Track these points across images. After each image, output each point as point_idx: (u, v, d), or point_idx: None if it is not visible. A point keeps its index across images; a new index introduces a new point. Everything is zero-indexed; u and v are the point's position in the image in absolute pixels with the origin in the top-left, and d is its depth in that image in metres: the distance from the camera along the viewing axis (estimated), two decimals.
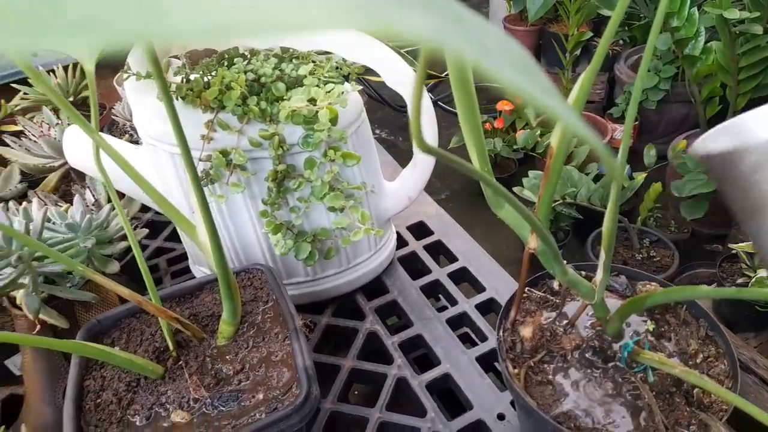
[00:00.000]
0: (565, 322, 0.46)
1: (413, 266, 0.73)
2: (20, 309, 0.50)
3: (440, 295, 0.74)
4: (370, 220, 0.56)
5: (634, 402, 0.40)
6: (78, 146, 0.60)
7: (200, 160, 0.54)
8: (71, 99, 0.88)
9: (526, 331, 0.44)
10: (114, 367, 0.45)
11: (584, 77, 0.34)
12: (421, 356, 0.67)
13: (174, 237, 0.79)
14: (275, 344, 0.45)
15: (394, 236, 0.73)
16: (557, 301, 0.47)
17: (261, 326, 0.47)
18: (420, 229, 0.78)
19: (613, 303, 0.46)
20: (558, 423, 0.38)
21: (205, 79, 0.54)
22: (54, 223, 0.51)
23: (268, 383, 0.42)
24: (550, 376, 0.42)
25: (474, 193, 2.06)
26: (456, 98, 0.32)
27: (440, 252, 0.76)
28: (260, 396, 0.41)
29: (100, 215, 0.52)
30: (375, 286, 0.69)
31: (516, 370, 0.42)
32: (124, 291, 0.40)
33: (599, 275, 0.41)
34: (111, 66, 1.01)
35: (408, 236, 0.77)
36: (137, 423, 0.40)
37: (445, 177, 2.11)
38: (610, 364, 0.42)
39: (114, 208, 0.55)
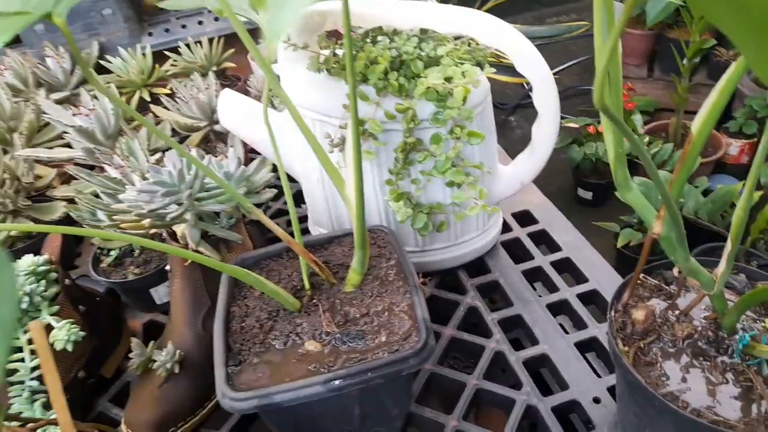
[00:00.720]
0: (677, 312, 0.47)
1: (515, 252, 0.75)
2: (177, 242, 0.58)
3: (535, 285, 0.76)
4: (487, 197, 0.59)
5: (744, 392, 0.40)
6: (231, 109, 0.68)
7: (340, 127, 0.59)
8: (214, 68, 0.97)
9: (639, 314, 0.46)
10: (256, 299, 0.51)
11: (725, 84, 0.35)
12: (514, 340, 0.70)
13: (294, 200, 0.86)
14: (397, 296, 0.49)
15: (501, 220, 0.75)
16: (672, 290, 0.48)
17: (384, 280, 0.51)
18: (524, 217, 0.80)
19: (730, 300, 0.46)
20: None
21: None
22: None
23: (390, 329, 0.46)
24: (659, 359, 0.44)
25: (569, 199, 2.02)
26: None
27: (543, 241, 0.77)
28: (383, 338, 0.46)
29: (249, 168, 0.59)
30: (477, 266, 0.72)
31: (626, 348, 0.44)
32: (279, 230, 0.46)
33: (722, 266, 0.42)
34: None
35: (512, 222, 0.79)
36: (276, 346, 0.46)
37: (539, 178, 2.09)
38: (722, 356, 0.43)
39: (258, 164, 0.62)
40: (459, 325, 0.65)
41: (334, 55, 0.61)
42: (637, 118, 1.89)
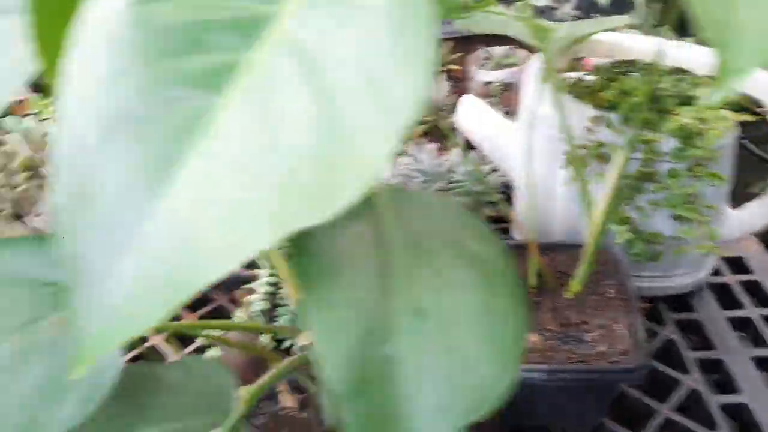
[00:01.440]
0: None
1: (722, 296, 0.74)
2: None
3: (739, 335, 0.74)
4: (718, 239, 0.60)
5: None
6: (470, 112, 0.75)
7: (578, 147, 0.64)
8: (443, 68, 1.07)
9: None
10: None
11: None
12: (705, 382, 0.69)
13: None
14: (617, 314, 0.53)
15: (713, 261, 0.74)
16: None
17: (603, 295, 0.55)
18: (737, 264, 0.78)
19: None
20: None
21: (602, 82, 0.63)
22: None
23: (608, 341, 0.51)
24: None
25: None
26: None
27: (755, 293, 0.75)
28: (601, 348, 0.50)
29: (484, 168, 0.66)
30: (680, 301, 0.72)
31: None
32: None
33: None
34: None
35: (723, 267, 0.77)
36: None
37: None
38: None
39: (492, 168, 0.69)
40: (654, 354, 0.66)
41: (581, 80, 0.65)
42: None
